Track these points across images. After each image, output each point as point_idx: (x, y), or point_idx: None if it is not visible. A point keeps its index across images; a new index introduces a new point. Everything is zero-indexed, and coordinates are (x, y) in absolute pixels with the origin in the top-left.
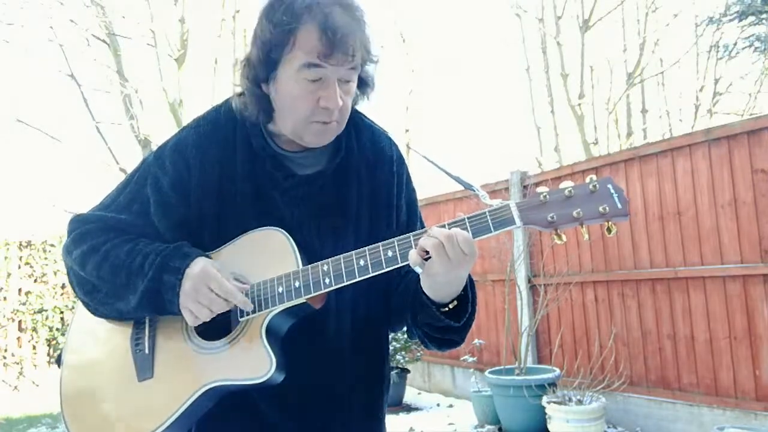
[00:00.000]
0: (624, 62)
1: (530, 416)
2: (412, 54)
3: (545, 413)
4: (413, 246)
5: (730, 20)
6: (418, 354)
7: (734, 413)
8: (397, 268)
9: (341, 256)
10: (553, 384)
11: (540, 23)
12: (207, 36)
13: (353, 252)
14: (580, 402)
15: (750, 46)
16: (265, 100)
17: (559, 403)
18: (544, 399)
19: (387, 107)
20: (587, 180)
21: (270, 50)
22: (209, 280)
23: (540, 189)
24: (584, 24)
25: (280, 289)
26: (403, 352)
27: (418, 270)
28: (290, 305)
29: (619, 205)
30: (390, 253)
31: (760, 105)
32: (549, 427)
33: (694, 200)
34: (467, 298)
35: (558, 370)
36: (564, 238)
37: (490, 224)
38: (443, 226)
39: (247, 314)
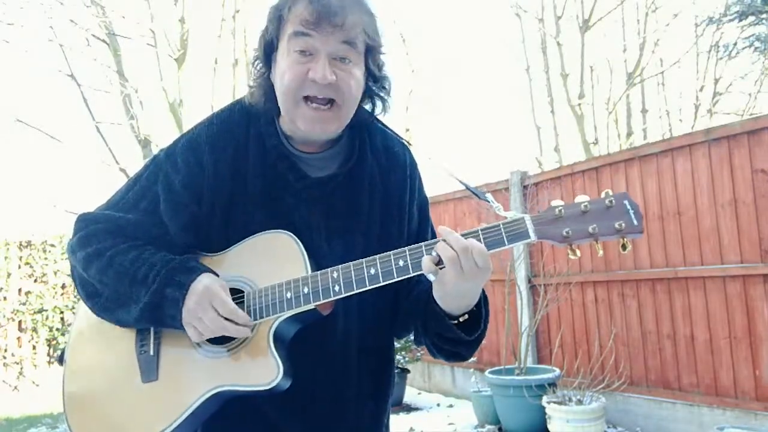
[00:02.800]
0: (624, 62)
1: (530, 416)
2: (412, 54)
3: (545, 413)
4: (424, 256)
5: (730, 20)
6: (418, 354)
7: (734, 413)
8: (408, 277)
9: (351, 263)
10: (553, 384)
11: (540, 23)
12: (207, 36)
13: (363, 260)
14: (580, 402)
15: (750, 46)
16: (270, 90)
17: (559, 403)
18: (544, 399)
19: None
20: (603, 195)
21: (268, 33)
22: (213, 298)
23: (555, 203)
24: (584, 24)
25: (289, 295)
26: (403, 352)
27: (431, 278)
28: (298, 311)
29: (635, 222)
30: (401, 263)
31: (760, 105)
32: (549, 427)
33: (694, 200)
34: (480, 314)
35: (558, 370)
36: (578, 253)
37: (504, 237)
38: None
39: (254, 319)
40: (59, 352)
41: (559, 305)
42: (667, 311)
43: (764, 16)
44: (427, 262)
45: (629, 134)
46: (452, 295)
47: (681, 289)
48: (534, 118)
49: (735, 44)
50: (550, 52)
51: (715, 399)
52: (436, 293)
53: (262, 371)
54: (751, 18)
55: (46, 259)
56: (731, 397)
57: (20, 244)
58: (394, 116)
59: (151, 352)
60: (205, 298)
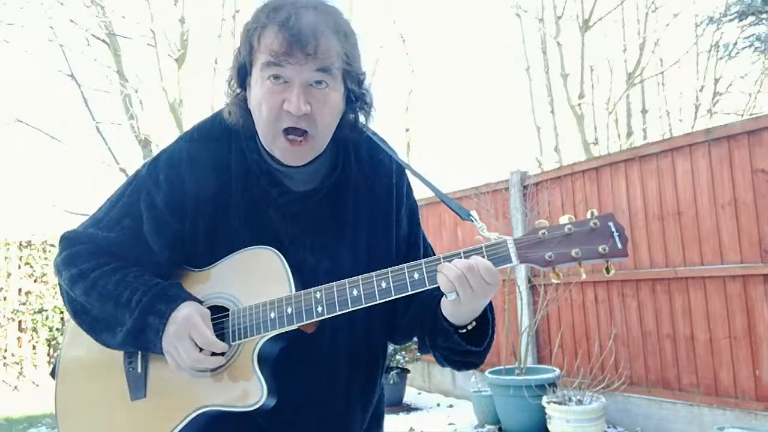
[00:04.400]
0: (624, 62)
1: (530, 416)
2: (412, 54)
3: (545, 413)
4: (407, 278)
5: (730, 20)
6: (418, 354)
7: (734, 413)
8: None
9: (335, 283)
10: (553, 384)
11: (540, 23)
12: (207, 36)
13: (347, 280)
14: (580, 402)
15: (750, 46)
16: (247, 110)
17: (559, 403)
18: (544, 399)
19: (387, 107)
20: (588, 215)
21: (240, 56)
22: (191, 328)
23: (539, 223)
24: (584, 24)
25: (272, 315)
26: (403, 352)
27: (452, 297)
28: (282, 332)
29: (620, 245)
30: (384, 285)
31: (760, 105)
32: (549, 427)
33: (694, 200)
34: (487, 320)
35: (558, 370)
36: (561, 277)
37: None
38: (438, 260)
39: (238, 339)
40: (52, 367)
41: (559, 305)
42: (667, 311)
43: (764, 16)
44: (443, 280)
45: (629, 134)
46: (464, 312)
47: (681, 289)
48: (534, 118)
49: (735, 44)
50: (550, 52)
51: (715, 399)
52: (447, 311)
53: (247, 392)
54: (751, 18)
55: (46, 259)
56: (731, 397)
57: (20, 244)
58: (394, 116)
59: (139, 370)
60: (184, 328)
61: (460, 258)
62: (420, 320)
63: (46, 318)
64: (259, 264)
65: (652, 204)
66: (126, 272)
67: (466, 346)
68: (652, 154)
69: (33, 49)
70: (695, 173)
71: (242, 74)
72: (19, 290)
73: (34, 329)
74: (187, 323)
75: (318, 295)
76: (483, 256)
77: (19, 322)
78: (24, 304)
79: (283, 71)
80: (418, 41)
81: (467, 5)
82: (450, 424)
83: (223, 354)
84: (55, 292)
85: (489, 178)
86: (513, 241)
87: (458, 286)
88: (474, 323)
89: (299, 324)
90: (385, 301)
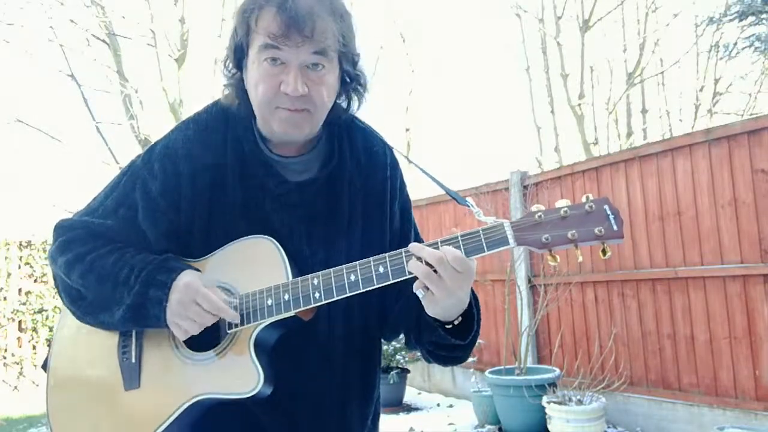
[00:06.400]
0: (624, 62)
1: (530, 416)
2: (412, 54)
3: (545, 413)
4: (405, 262)
5: (730, 20)
6: (419, 354)
7: (734, 413)
8: (390, 284)
9: (332, 269)
10: (553, 384)
11: (540, 23)
12: (207, 36)
13: (344, 266)
14: (580, 402)
15: (750, 46)
16: (243, 91)
17: (559, 403)
18: (544, 399)
19: (387, 107)
20: (583, 199)
21: (237, 37)
22: (196, 294)
23: (535, 207)
24: (584, 24)
25: (269, 302)
26: (403, 352)
27: (419, 294)
28: (279, 319)
29: (615, 227)
30: (381, 269)
31: (760, 105)
32: (549, 427)
33: (694, 200)
34: (472, 314)
35: (558, 370)
36: (558, 259)
37: (484, 244)
38: (435, 244)
39: (236, 326)
40: (44, 359)
41: (559, 305)
42: (667, 311)
43: (764, 16)
44: (417, 284)
45: (629, 134)
46: (444, 306)
47: (681, 289)
48: (534, 118)
49: (735, 44)
50: (550, 52)
51: (715, 399)
52: (428, 307)
53: (243, 379)
54: (751, 18)
55: (46, 259)
56: (731, 397)
57: (20, 244)
58: (393, 116)
59: (133, 359)
60: (188, 294)
61: (458, 243)
62: (406, 315)
63: (46, 318)
64: (255, 253)
65: (652, 204)
66: (123, 252)
67: (451, 340)
68: (652, 154)
69: (33, 49)
70: (695, 173)
71: (239, 55)
72: (19, 290)
73: (34, 329)
74: (189, 290)
75: (315, 281)
76: (480, 240)
77: (19, 322)
78: (24, 304)
79: (280, 53)
80: (418, 41)
81: (467, 5)
82: (450, 424)
83: (237, 315)
84: (56, 292)
85: (489, 178)
86: (510, 224)
87: (428, 282)
88: (460, 318)
89: (296, 310)
90: (382, 286)
